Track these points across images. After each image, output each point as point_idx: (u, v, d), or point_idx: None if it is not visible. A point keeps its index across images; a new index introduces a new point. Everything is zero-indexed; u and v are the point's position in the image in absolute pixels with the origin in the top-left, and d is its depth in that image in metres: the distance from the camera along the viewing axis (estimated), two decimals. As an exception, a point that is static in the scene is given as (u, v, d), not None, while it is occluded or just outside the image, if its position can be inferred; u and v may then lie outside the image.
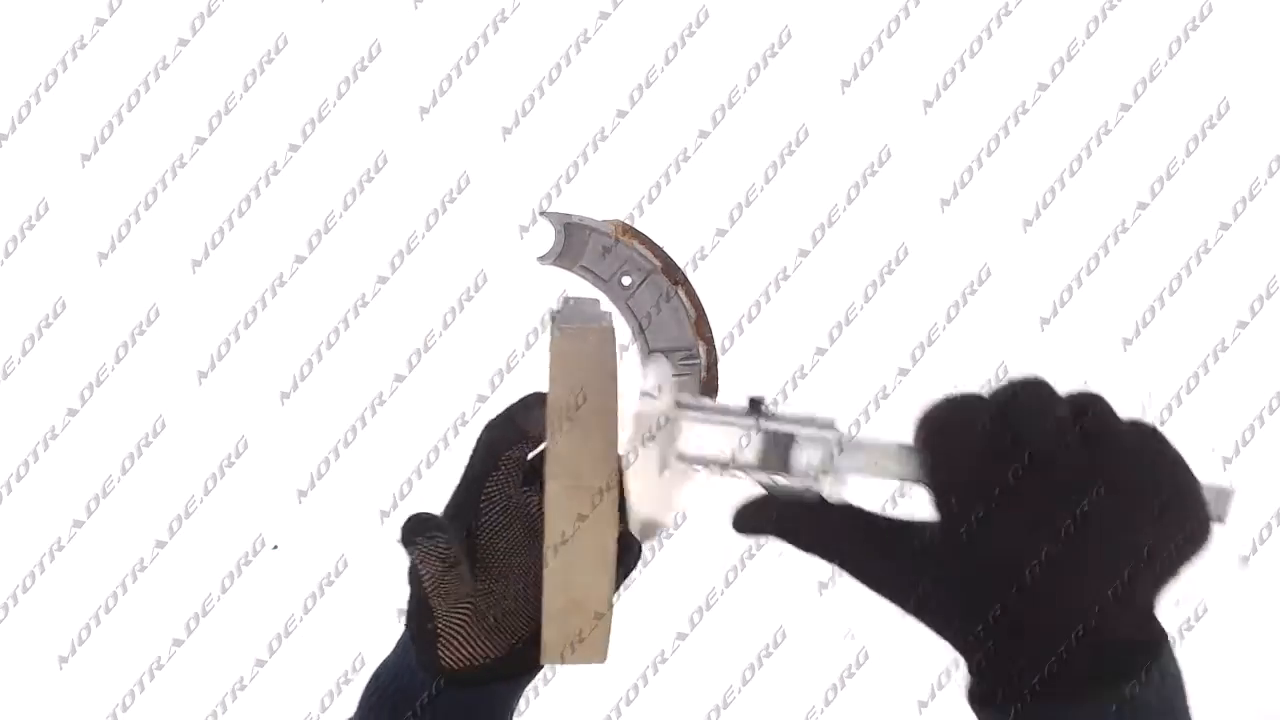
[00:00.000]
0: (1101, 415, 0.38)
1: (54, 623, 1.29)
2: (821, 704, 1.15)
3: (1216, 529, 0.38)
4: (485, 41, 1.39)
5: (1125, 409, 0.39)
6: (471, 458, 0.48)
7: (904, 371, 1.33)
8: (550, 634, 0.42)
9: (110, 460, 1.34)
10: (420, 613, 0.46)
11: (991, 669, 0.38)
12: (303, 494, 1.32)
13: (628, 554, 0.47)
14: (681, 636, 1.24)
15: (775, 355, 1.27)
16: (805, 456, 0.40)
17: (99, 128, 1.39)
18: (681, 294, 0.50)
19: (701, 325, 0.50)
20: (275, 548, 1.37)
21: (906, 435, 0.38)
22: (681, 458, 0.40)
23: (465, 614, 0.46)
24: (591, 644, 0.43)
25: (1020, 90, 1.44)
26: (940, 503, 0.37)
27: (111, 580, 1.31)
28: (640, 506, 0.42)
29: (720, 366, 0.51)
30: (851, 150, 1.44)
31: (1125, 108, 1.44)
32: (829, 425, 0.40)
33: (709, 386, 0.51)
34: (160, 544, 1.34)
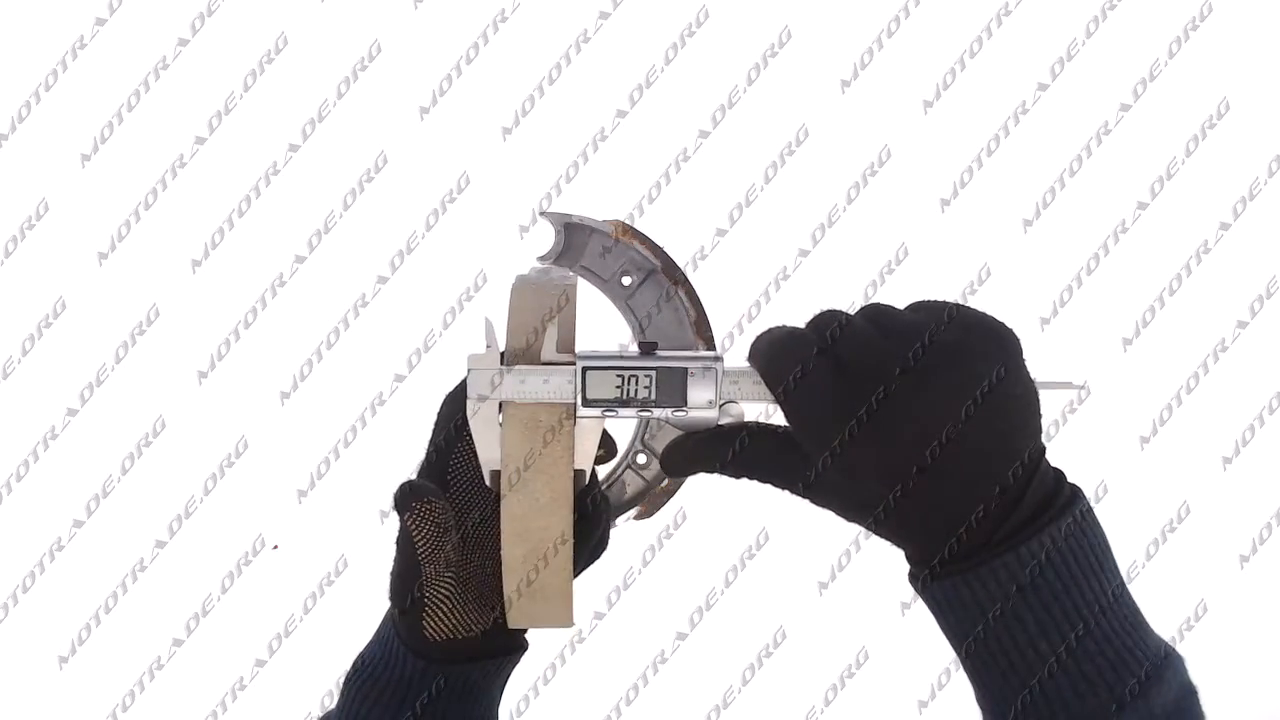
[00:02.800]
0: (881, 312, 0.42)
1: (54, 623, 1.29)
2: (821, 704, 1.15)
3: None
4: (485, 41, 1.39)
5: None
6: (434, 431, 0.49)
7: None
8: (510, 585, 0.44)
9: (110, 460, 1.34)
10: (406, 580, 0.46)
11: (900, 538, 0.41)
12: (303, 494, 1.32)
13: (593, 532, 0.48)
14: (681, 636, 1.24)
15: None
16: (699, 388, 0.43)
17: (99, 128, 1.39)
18: (681, 294, 0.49)
19: (701, 325, 0.50)
20: (275, 548, 1.37)
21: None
22: (589, 403, 0.43)
23: (450, 584, 0.46)
24: (554, 600, 0.44)
25: (1020, 90, 1.44)
26: (772, 388, 0.41)
27: (111, 580, 1.31)
28: (489, 461, 0.44)
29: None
30: (851, 150, 1.44)
31: (1125, 108, 1.44)
32: (716, 358, 0.44)
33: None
34: (160, 544, 1.34)
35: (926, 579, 0.41)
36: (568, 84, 1.40)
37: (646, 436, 0.51)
